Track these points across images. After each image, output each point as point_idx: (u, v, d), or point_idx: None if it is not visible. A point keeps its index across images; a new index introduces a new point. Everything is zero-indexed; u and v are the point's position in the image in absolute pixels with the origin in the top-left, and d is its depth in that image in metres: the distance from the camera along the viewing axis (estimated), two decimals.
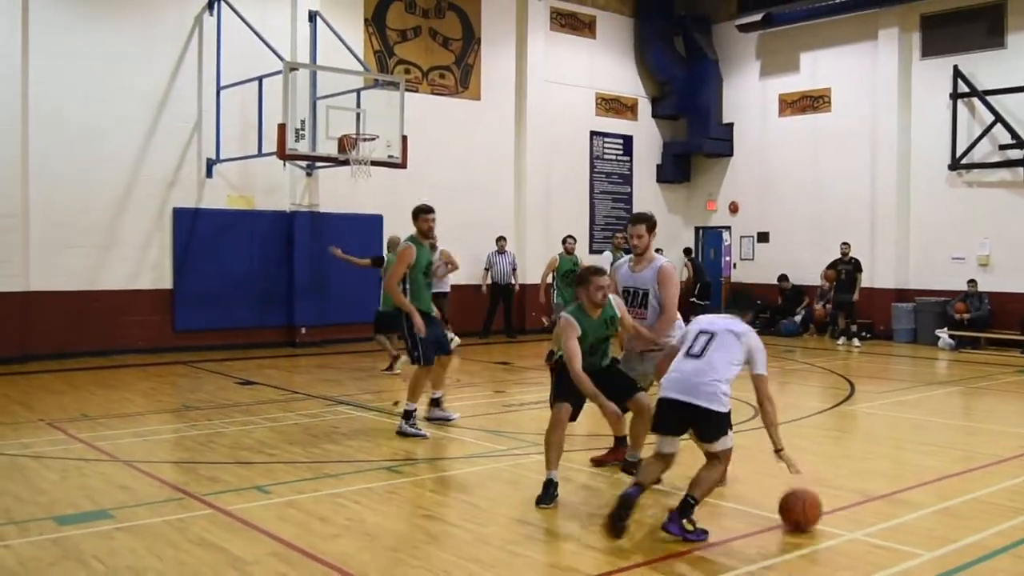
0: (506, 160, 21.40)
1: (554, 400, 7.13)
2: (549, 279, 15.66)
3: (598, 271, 7.17)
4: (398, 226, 18.71)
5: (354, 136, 15.84)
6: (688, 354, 6.44)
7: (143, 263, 16.45)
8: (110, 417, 10.64)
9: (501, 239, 20.30)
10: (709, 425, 6.19)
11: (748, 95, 23.74)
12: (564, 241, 16.12)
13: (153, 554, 5.80)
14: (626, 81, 23.77)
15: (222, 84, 16.97)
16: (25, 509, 6.74)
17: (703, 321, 6.73)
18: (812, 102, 22.37)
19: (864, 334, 19.89)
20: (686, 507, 6.06)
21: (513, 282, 20.28)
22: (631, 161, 23.94)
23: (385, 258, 14.65)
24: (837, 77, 21.95)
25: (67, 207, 15.75)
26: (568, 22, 22.53)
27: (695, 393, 6.18)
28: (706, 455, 6.32)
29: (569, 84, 22.42)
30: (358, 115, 16.15)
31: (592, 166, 23.21)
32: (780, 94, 23.00)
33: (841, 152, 21.64)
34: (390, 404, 11.09)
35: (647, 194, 24.23)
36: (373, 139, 15.98)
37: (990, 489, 7.51)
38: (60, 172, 15.67)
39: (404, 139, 16.04)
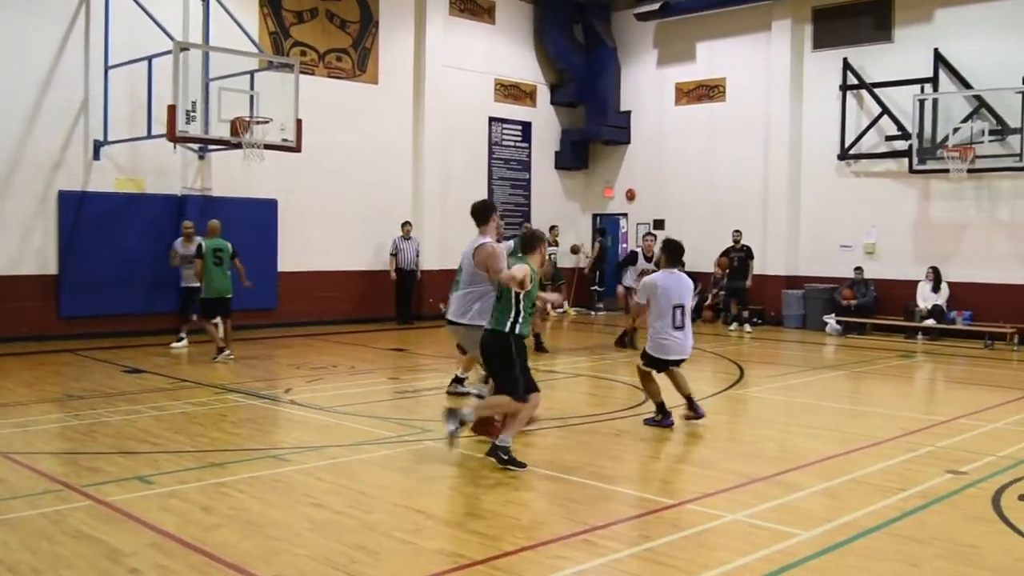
0: (404, 145, 21.25)
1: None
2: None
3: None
4: (293, 209, 18.58)
5: (247, 119, 15.54)
6: (675, 327, 9.26)
7: (26, 248, 15.90)
8: None
9: (407, 224, 20.17)
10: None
11: (645, 83, 23.98)
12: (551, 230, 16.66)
13: (27, 548, 5.63)
14: (525, 67, 23.79)
15: (110, 64, 16.45)
16: None
17: (672, 292, 9.39)
18: (708, 91, 22.71)
19: (755, 320, 20.32)
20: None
21: (416, 268, 20.21)
22: (529, 148, 24.00)
23: (203, 245, 14.53)
24: (732, 67, 22.31)
25: None
26: (467, 7, 22.44)
27: (686, 351, 9.41)
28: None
29: (468, 69, 22.35)
30: (252, 97, 15.84)
31: (491, 152, 23.20)
32: (677, 83, 23.29)
33: (735, 141, 22.02)
34: (282, 392, 10.95)
35: (545, 180, 24.34)
36: (267, 122, 15.70)
37: (868, 470, 7.74)
38: None
39: (299, 123, 15.80)
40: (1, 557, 5.46)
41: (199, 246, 14.68)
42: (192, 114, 15.20)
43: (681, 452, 8.77)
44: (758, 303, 20.75)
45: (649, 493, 6.92)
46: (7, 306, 15.54)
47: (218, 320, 14.42)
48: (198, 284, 14.59)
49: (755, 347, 17.18)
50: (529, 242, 7.96)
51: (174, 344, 15.39)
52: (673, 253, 9.67)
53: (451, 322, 9.29)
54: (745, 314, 19.83)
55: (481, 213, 9.23)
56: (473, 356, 9.67)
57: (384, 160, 20.76)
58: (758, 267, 20.37)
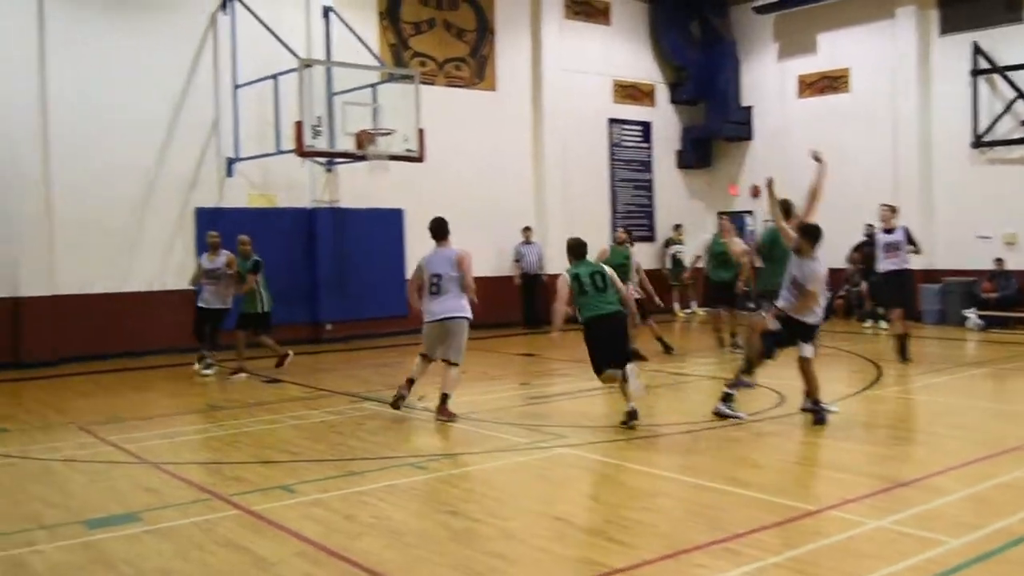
0: (524, 150, 21.37)
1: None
2: None
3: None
4: (418, 218, 18.79)
5: (371, 131, 15.87)
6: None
7: (167, 264, 16.53)
8: (138, 419, 10.71)
9: (527, 229, 20.26)
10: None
11: (766, 77, 23.58)
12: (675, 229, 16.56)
13: (180, 556, 5.84)
14: (643, 67, 23.66)
15: (239, 83, 17.02)
16: (55, 513, 6.80)
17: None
18: (831, 83, 22.20)
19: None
20: None
21: (540, 272, 20.30)
22: (650, 148, 23.84)
23: (259, 261, 14.06)
24: (855, 57, 21.76)
25: (91, 210, 15.87)
26: (582, 9, 22.43)
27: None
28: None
29: (585, 72, 22.33)
30: (374, 110, 16.18)
31: (612, 154, 23.13)
32: (799, 75, 22.83)
33: (861, 132, 21.46)
34: (415, 399, 11.10)
35: (667, 180, 24.15)
36: (390, 133, 16.00)
37: (1018, 473, 7.45)
38: (82, 175, 15.80)
39: (421, 132, 16.05)
40: (157, 565, 5.68)
41: (255, 262, 14.01)
42: (318, 129, 15.57)
43: (819, 456, 8.58)
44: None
45: (789, 499, 6.78)
46: (151, 320, 16.15)
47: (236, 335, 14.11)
48: (222, 306, 13.87)
49: (892, 345, 16.69)
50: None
51: (204, 371, 13.94)
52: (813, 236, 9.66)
53: (455, 318, 10.14)
54: (880, 310, 19.28)
55: (442, 229, 10.41)
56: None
57: (505, 166, 20.91)
58: None
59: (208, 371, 13.86)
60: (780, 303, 9.57)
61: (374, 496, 7.10)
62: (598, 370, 9.62)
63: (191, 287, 14.28)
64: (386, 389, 12.25)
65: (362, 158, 15.85)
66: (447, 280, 10.14)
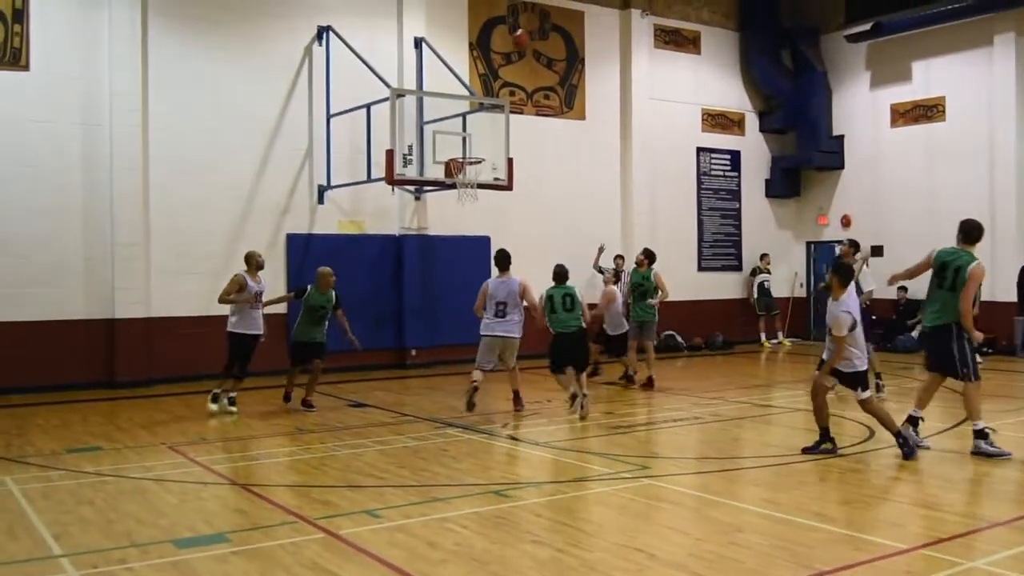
0: (612, 179, 21.40)
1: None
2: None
3: None
4: (505, 245, 18.89)
5: (460, 160, 16.02)
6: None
7: None
8: (227, 440, 10.95)
9: (618, 258, 20.24)
10: None
11: (858, 106, 23.25)
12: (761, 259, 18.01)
13: None
14: (732, 96, 23.53)
15: (332, 112, 17.37)
16: (146, 532, 6.98)
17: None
18: (925, 111, 21.79)
19: (986, 349, 19.23)
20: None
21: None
22: (739, 176, 23.67)
23: (307, 289, 13.60)
24: (951, 85, 21.34)
25: (186, 235, 16.32)
26: (672, 38, 22.43)
27: None
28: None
29: (674, 101, 22.31)
30: (464, 139, 16.33)
31: (699, 182, 23.01)
32: (892, 104, 22.46)
33: (957, 162, 21.03)
34: (500, 427, 11.15)
35: (756, 209, 23.93)
36: (479, 162, 16.13)
37: None
38: (179, 201, 16.27)
39: (510, 161, 16.15)
40: None
41: (338, 297, 13.65)
42: (408, 157, 15.80)
43: (909, 492, 8.40)
44: (988, 331, 19.62)
45: (878, 536, 6.65)
46: None
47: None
48: (260, 332, 13.12)
49: (986, 378, 16.20)
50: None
51: (231, 407, 13.02)
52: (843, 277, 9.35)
53: (512, 337, 12.64)
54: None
55: (506, 260, 12.83)
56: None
57: (593, 194, 20.96)
58: (986, 293, 19.29)
59: (234, 407, 12.98)
60: (824, 354, 9.41)
61: (457, 523, 7.14)
62: (559, 369, 12.38)
63: (230, 303, 13.04)
64: (469, 415, 12.35)
65: (451, 186, 16.02)
66: (511, 307, 12.50)
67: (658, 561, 6.24)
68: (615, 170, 21.44)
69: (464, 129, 16.56)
